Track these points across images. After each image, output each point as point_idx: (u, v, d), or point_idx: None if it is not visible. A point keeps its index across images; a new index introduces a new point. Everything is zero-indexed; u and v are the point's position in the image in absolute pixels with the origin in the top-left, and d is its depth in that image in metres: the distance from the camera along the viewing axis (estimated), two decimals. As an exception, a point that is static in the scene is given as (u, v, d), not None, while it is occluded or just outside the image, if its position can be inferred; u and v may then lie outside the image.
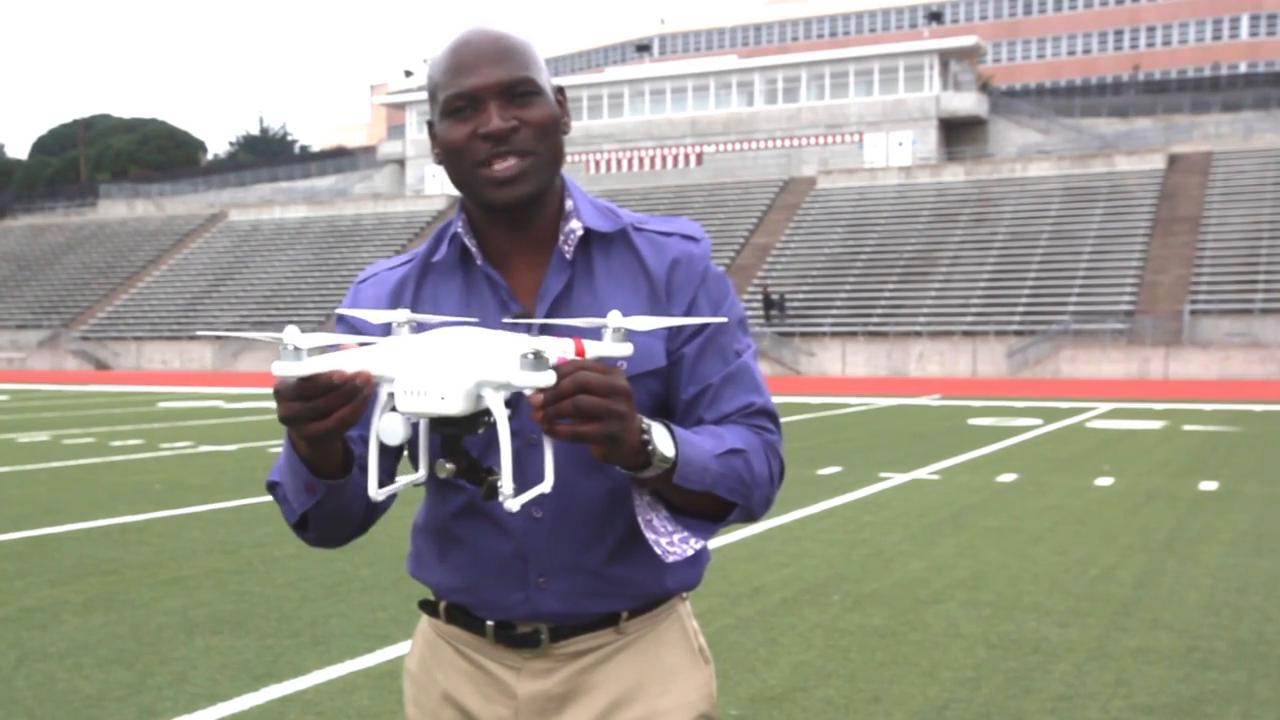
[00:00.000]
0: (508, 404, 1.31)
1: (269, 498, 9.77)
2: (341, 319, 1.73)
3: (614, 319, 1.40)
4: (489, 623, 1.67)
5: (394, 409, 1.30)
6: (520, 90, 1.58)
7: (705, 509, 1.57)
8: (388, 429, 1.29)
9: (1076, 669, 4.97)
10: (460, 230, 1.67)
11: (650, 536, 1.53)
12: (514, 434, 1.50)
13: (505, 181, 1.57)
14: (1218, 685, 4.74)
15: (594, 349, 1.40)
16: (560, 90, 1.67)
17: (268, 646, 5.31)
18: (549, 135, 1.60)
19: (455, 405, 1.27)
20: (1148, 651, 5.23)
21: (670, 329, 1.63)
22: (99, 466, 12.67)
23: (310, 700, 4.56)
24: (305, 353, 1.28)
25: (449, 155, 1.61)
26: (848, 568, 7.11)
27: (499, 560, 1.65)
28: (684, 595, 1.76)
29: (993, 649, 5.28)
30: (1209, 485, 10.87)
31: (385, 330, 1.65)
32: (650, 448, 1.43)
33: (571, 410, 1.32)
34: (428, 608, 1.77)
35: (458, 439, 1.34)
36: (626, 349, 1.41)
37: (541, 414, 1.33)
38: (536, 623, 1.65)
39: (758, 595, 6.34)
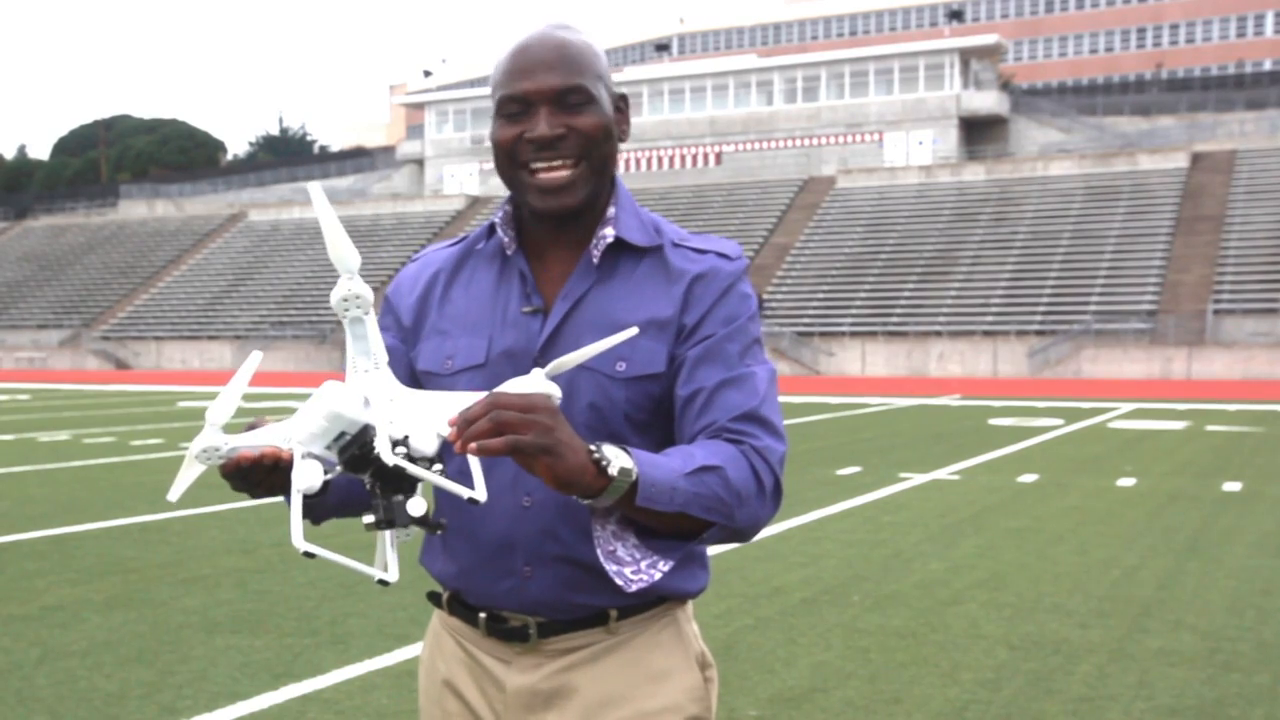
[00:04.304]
0: (440, 458, 1.39)
1: (289, 497, 9.81)
2: (385, 302, 1.81)
3: (551, 368, 1.43)
4: (482, 615, 1.69)
5: (304, 458, 1.40)
6: (572, 99, 1.60)
7: (680, 529, 1.52)
8: (301, 475, 1.38)
9: (1098, 670, 4.94)
10: (498, 221, 1.72)
11: (612, 568, 1.50)
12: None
13: (550, 190, 1.61)
14: (1241, 687, 4.70)
15: (513, 385, 1.41)
16: (622, 98, 1.70)
17: (287, 645, 5.32)
18: (598, 144, 1.62)
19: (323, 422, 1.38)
20: (1170, 653, 5.19)
21: (677, 334, 1.63)
22: (119, 466, 12.73)
23: (329, 699, 4.56)
24: (221, 431, 1.46)
25: (497, 154, 1.65)
26: (868, 568, 7.08)
27: (490, 548, 1.66)
28: (684, 601, 1.74)
29: (1014, 650, 5.24)
30: (1232, 486, 10.79)
31: (415, 308, 1.75)
32: (603, 463, 1.40)
33: (489, 428, 1.33)
34: (434, 599, 1.80)
35: (374, 486, 1.39)
36: (552, 388, 1.40)
37: (459, 441, 1.33)
38: (525, 615, 1.66)
39: (777, 595, 6.32)
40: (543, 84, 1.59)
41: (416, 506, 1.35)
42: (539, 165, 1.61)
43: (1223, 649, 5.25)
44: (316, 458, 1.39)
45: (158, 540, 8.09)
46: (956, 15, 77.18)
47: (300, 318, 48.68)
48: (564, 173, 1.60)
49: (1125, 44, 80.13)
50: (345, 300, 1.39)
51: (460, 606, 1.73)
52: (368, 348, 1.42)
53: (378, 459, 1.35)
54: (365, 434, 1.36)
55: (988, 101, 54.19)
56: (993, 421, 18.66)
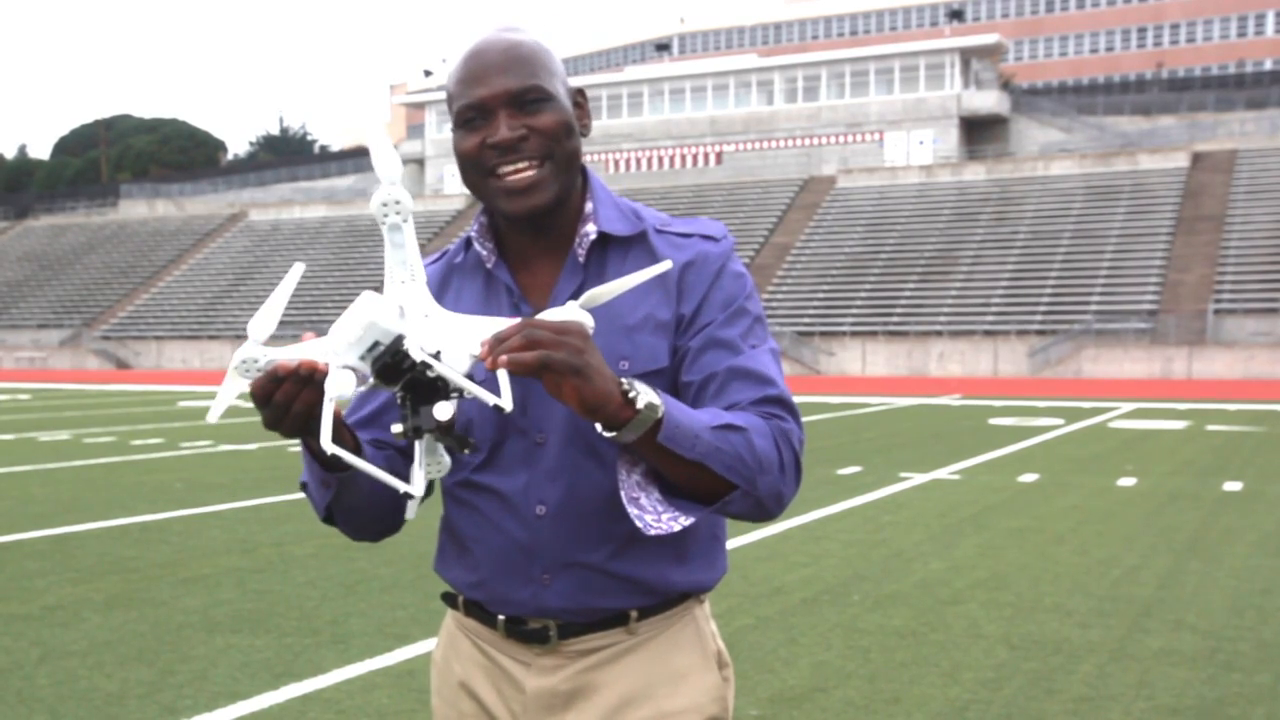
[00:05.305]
0: (469, 379, 1.40)
1: (289, 496, 9.82)
2: None
3: (585, 300, 1.44)
4: (500, 617, 1.69)
5: (341, 368, 1.40)
6: (529, 99, 1.59)
7: (703, 488, 1.50)
8: (334, 383, 1.37)
9: (1099, 670, 4.94)
10: (474, 234, 1.70)
11: (633, 511, 1.49)
12: (520, 433, 1.64)
13: (518, 191, 1.59)
14: (1242, 687, 4.70)
15: (548, 314, 1.42)
16: (579, 92, 1.69)
17: (287, 645, 5.32)
18: (560, 141, 1.61)
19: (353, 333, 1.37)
20: (1171, 653, 5.19)
21: (677, 325, 1.63)
22: (120, 465, 12.73)
23: (330, 699, 4.56)
24: (260, 345, 1.41)
25: (462, 164, 1.63)
26: (868, 568, 7.08)
27: (507, 556, 1.66)
28: (701, 598, 1.74)
29: (1014, 650, 5.24)
30: (1233, 486, 10.79)
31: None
32: (631, 394, 1.40)
33: (522, 344, 1.34)
34: (448, 600, 1.79)
35: (406, 399, 1.39)
36: (586, 318, 1.41)
37: (490, 357, 1.34)
38: (545, 619, 1.66)
39: (778, 595, 6.32)
40: (497, 88, 1.58)
41: (442, 411, 1.35)
42: (505, 169, 1.59)
43: (1223, 649, 5.25)
44: (351, 369, 1.39)
45: (158, 540, 8.09)
46: (957, 15, 77.17)
47: (300, 317, 48.67)
48: (530, 173, 1.58)
49: (1125, 43, 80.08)
50: (385, 205, 1.40)
51: (477, 609, 1.72)
52: (404, 257, 1.43)
53: (409, 369, 1.36)
54: (398, 344, 1.37)
55: (988, 101, 54.16)
56: (993, 421, 18.66)
